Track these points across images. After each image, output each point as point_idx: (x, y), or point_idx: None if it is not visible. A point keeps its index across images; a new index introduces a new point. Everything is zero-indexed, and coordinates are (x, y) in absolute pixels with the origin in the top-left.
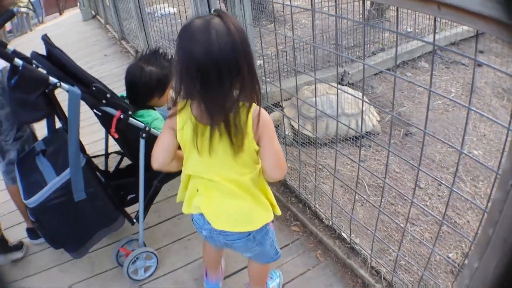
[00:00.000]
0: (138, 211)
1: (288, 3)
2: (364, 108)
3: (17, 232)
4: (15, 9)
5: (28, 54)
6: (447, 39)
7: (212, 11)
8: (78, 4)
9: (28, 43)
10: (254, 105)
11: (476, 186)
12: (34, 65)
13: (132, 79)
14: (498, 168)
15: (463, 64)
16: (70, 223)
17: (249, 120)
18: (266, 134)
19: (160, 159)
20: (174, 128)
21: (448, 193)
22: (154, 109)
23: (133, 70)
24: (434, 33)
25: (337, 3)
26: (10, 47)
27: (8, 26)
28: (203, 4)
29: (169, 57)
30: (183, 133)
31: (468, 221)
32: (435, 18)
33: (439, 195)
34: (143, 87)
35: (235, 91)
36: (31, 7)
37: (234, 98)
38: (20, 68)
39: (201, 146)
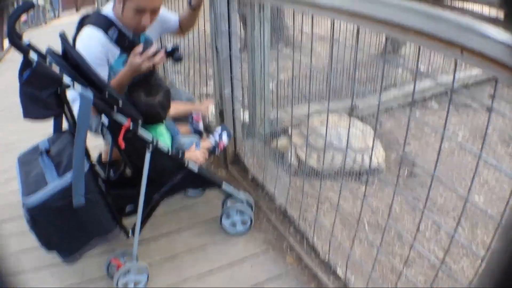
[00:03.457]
0: (135, 223)
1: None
2: (371, 145)
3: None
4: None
5: (41, 48)
6: (460, 81)
7: None
8: (96, 3)
9: (42, 37)
10: None
11: (473, 233)
12: (48, 62)
13: None
14: (502, 217)
15: (470, 107)
16: (66, 227)
17: None
18: None
19: None
20: None
21: (446, 237)
22: (163, 122)
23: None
24: (454, 77)
25: (358, 36)
26: (25, 39)
27: (23, 16)
28: (224, 21)
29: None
30: None
31: (463, 267)
32: (455, 61)
33: (437, 239)
34: (149, 117)
35: None
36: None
37: None
38: (34, 63)
39: None
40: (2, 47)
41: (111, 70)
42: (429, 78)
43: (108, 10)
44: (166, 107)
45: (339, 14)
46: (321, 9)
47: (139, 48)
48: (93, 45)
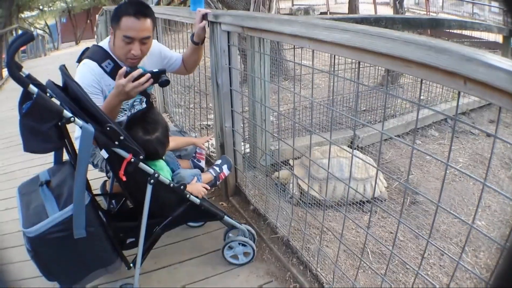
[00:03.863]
0: (136, 255)
1: (305, 63)
2: (373, 174)
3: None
4: (34, 32)
5: (40, 79)
6: (459, 108)
7: None
8: (96, 36)
9: (41, 68)
10: None
11: (477, 257)
12: (48, 95)
13: None
14: (507, 241)
15: (473, 134)
16: (67, 258)
17: None
18: None
19: None
20: None
21: (450, 262)
22: (163, 158)
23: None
24: (457, 108)
25: (359, 70)
26: (25, 70)
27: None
28: (224, 56)
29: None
30: None
31: None
32: (459, 92)
33: (440, 265)
34: (147, 154)
35: None
36: (47, 30)
37: None
38: (35, 95)
39: None
40: (1, 75)
41: None
42: (429, 107)
43: (105, 43)
44: (164, 143)
45: (339, 49)
46: (322, 43)
47: (123, 69)
48: (86, 76)
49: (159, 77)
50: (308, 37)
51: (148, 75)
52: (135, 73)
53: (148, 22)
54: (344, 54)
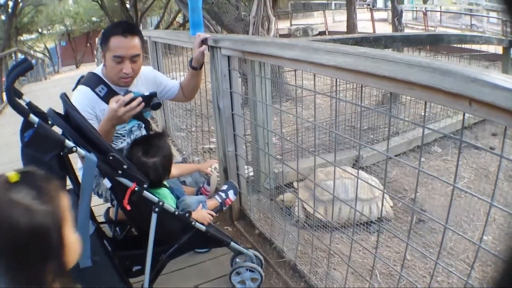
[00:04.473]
0: (142, 283)
1: (306, 84)
2: (378, 194)
3: None
4: (33, 61)
5: (41, 104)
6: (460, 123)
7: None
8: (96, 60)
9: (42, 92)
10: None
11: (484, 271)
12: (49, 123)
13: None
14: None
15: (476, 149)
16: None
17: None
18: None
19: None
20: None
21: (458, 279)
22: (166, 186)
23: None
24: (462, 129)
25: (362, 93)
26: (26, 97)
27: None
28: (225, 80)
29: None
30: None
31: None
32: (463, 114)
33: (448, 282)
34: (154, 178)
35: None
36: (47, 54)
37: None
38: (36, 125)
39: None
40: (2, 99)
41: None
42: (433, 128)
43: (98, 69)
44: (158, 170)
45: (341, 72)
46: (323, 67)
47: (118, 96)
48: (80, 101)
49: (150, 100)
50: (309, 62)
51: (140, 98)
52: (127, 98)
53: (136, 39)
54: (346, 78)
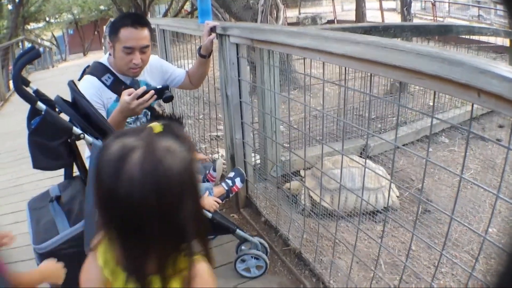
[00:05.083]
0: None
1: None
2: (384, 184)
3: None
4: (41, 49)
5: (48, 91)
6: (468, 114)
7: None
8: (103, 48)
9: (49, 79)
10: (198, 260)
11: (488, 264)
12: (57, 110)
13: None
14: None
15: (483, 140)
16: (78, 274)
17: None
18: None
19: None
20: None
21: (462, 271)
22: None
23: None
24: (471, 119)
25: (371, 82)
26: (33, 85)
27: None
28: (233, 68)
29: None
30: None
31: None
32: (472, 105)
33: (453, 274)
34: None
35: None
36: (55, 42)
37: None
38: (43, 112)
39: None
40: (9, 87)
41: (108, 114)
42: (442, 118)
43: (104, 58)
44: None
45: (351, 61)
46: (333, 56)
47: (130, 89)
48: (88, 90)
49: (162, 93)
50: (319, 50)
51: (152, 91)
52: (140, 91)
53: (146, 31)
54: (355, 67)
